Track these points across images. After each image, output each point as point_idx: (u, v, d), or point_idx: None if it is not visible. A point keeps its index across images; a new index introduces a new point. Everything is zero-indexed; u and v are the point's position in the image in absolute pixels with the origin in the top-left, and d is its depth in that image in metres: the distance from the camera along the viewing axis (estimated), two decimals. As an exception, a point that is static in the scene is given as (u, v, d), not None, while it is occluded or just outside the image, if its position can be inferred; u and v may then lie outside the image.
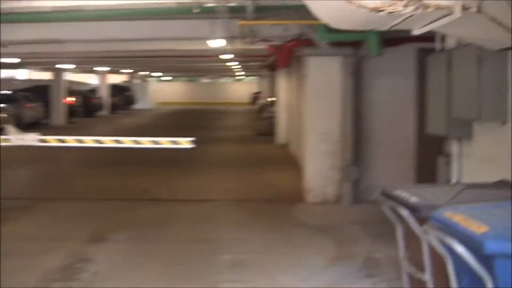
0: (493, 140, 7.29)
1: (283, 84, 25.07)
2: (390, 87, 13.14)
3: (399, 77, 13.13)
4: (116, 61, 33.49)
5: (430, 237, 4.33)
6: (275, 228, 10.36)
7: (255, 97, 55.98)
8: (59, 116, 36.62)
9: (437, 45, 8.91)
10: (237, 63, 32.01)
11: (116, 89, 53.07)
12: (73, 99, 38.62)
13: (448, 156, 8.59)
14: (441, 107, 8.00)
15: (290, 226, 10.64)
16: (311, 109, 13.01)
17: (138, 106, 60.82)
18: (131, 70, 50.19)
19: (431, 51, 12.46)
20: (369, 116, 13.10)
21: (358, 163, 12.79)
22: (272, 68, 26.73)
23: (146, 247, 9.36)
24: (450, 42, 8.32)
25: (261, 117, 39.94)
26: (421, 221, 4.72)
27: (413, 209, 4.81)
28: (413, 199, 4.89)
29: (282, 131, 25.19)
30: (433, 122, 8.56)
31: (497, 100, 6.88)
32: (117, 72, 50.73)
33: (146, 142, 9.01)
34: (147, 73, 58.32)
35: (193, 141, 9.09)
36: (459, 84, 7.45)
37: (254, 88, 66.52)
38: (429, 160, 13.33)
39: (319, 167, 12.91)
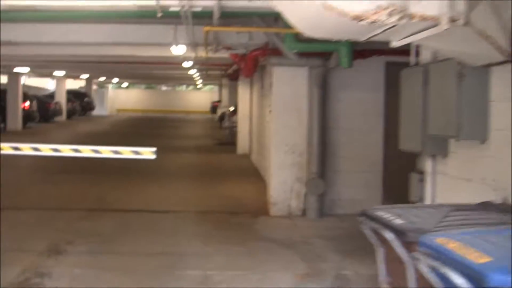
0: (471, 159, 7.05)
1: (245, 94, 24.79)
2: (357, 100, 12.93)
3: (367, 90, 12.95)
4: (74, 66, 33.03)
5: (420, 265, 4.05)
6: (240, 242, 10.02)
7: (215, 106, 55.60)
8: (15, 121, 35.90)
9: (412, 59, 8.64)
10: (197, 71, 31.69)
11: (74, 95, 52.50)
12: (29, 104, 37.74)
13: (421, 173, 8.35)
14: (416, 123, 7.76)
15: (256, 240, 10.31)
16: (277, 120, 12.71)
17: (96, 112, 60.37)
18: (89, 76, 49.52)
19: (401, 65, 12.26)
20: (336, 129, 12.87)
21: (324, 177, 12.54)
22: (234, 77, 26.46)
23: (107, 260, 8.93)
24: (426, 56, 8.09)
25: (222, 126, 39.64)
26: (408, 245, 4.45)
27: (398, 232, 4.53)
28: (398, 222, 4.63)
29: (243, 141, 24.90)
30: (407, 138, 8.32)
31: (476, 117, 6.64)
32: (75, 77, 50.11)
33: (106, 151, 8.57)
34: (106, 79, 57.64)
35: (155, 152, 8.69)
36: (437, 100, 7.21)
37: (214, 97, 66.26)
38: (397, 176, 13.13)
39: (284, 180, 12.63)
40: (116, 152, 8.67)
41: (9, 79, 36.52)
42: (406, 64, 12.90)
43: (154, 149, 8.66)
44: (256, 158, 20.75)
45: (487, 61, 6.23)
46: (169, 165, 20.42)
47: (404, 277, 4.70)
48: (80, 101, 53.52)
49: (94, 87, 63.79)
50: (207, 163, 21.93)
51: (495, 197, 6.30)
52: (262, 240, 10.37)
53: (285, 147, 12.60)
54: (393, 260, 4.96)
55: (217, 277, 8.06)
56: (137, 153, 8.58)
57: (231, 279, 8.00)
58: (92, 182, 16.32)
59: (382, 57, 12.82)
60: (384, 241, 5.03)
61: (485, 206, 5.12)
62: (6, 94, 36.01)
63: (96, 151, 8.61)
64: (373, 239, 5.24)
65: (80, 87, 59.13)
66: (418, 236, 4.27)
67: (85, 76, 48.91)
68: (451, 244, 3.82)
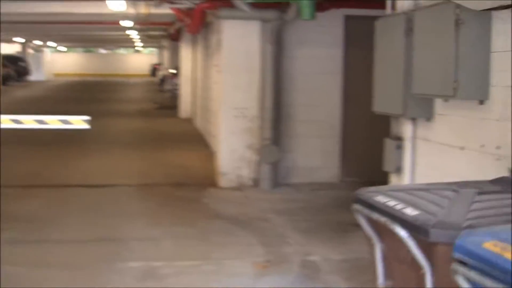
0: (466, 123, 5.89)
1: (187, 55, 23.45)
2: (314, 58, 11.74)
3: (325, 47, 11.76)
4: (6, 28, 31.25)
5: (457, 278, 2.86)
6: (188, 222, 8.76)
7: (155, 68, 54.16)
8: None
9: (388, 7, 7.46)
10: (136, 32, 30.21)
11: (8, 60, 50.38)
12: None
13: (398, 139, 7.19)
14: (397, 81, 6.61)
15: (205, 218, 9.05)
16: (225, 81, 11.43)
17: (32, 77, 58.38)
18: (24, 40, 47.48)
19: (361, 18, 11.15)
20: (291, 90, 11.66)
21: (278, 143, 11.36)
22: (175, 37, 25.05)
23: (37, 251, 7.56)
24: (405, 4, 6.89)
25: (162, 89, 38.29)
26: (428, 246, 3.27)
27: (415, 228, 3.33)
28: (410, 212, 3.44)
29: (185, 105, 23.60)
30: (383, 100, 7.17)
31: (476, 73, 5.47)
32: (8, 41, 48.05)
33: (29, 121, 7.20)
34: (41, 43, 55.61)
35: (88, 121, 7.37)
36: (424, 54, 6.03)
37: (154, 60, 64.83)
38: (356, 141, 12.03)
39: (234, 147, 11.41)
40: (41, 122, 7.31)
41: None
42: (368, 18, 11.80)
43: (86, 117, 7.31)
44: (200, 123, 19.48)
45: (490, 4, 5.09)
46: (109, 132, 19.11)
47: (412, 282, 3.55)
48: (15, 66, 51.43)
49: (30, 51, 61.72)
50: (149, 128, 20.57)
51: (498, 168, 5.20)
52: (213, 217, 9.15)
53: (235, 111, 11.36)
54: (396, 260, 3.79)
55: (164, 269, 6.74)
56: (66, 122, 7.23)
57: (180, 271, 6.71)
58: (22, 155, 14.84)
59: (341, 10, 11.68)
60: (383, 234, 3.85)
61: (506, 184, 3.93)
62: None
63: (17, 121, 7.23)
64: (369, 231, 4.03)
65: (18, 52, 57.00)
66: (444, 234, 3.11)
67: (19, 39, 46.80)
68: (508, 252, 2.62)
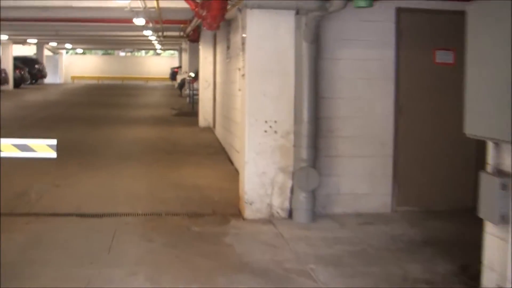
0: None
1: (206, 57, 21.33)
2: (360, 60, 9.63)
3: (372, 47, 9.67)
4: (17, 27, 29.42)
5: None
6: (204, 277, 6.58)
7: (175, 72, 52.21)
8: None
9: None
10: (152, 32, 28.18)
11: (24, 62, 48.75)
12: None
13: (504, 175, 5.03)
14: (502, 94, 4.46)
15: (228, 270, 6.82)
16: (251, 87, 9.28)
17: (49, 80, 56.83)
18: (36, 40, 45.60)
19: (418, 12, 9.18)
20: (332, 99, 9.54)
21: (317, 164, 9.21)
22: (194, 37, 22.95)
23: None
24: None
25: (181, 94, 36.29)
26: None
27: None
28: None
29: (205, 112, 21.45)
30: (480, 119, 5.01)
31: None
32: (22, 42, 46.31)
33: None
34: (56, 44, 53.82)
35: (54, 147, 5.21)
36: None
37: (174, 63, 63.00)
38: (412, 161, 9.85)
39: (262, 170, 9.26)
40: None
41: None
42: (426, 11, 9.66)
43: (52, 141, 5.14)
44: (221, 132, 17.35)
45: None
46: (117, 143, 17.08)
47: None
48: (30, 68, 49.70)
49: (47, 53, 60.04)
50: (163, 139, 18.42)
51: None
52: (238, 269, 6.91)
53: (264, 125, 9.22)
54: None
55: None
56: (26, 148, 5.04)
57: None
58: (9, 171, 12.76)
59: (392, 2, 9.56)
60: None
61: None
62: None
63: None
64: None
65: (34, 54, 55.33)
66: None
67: (32, 40, 44.96)
68: None
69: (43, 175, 12.15)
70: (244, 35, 9.51)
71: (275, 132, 9.21)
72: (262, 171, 9.26)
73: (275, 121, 9.21)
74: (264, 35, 9.17)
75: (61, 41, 49.67)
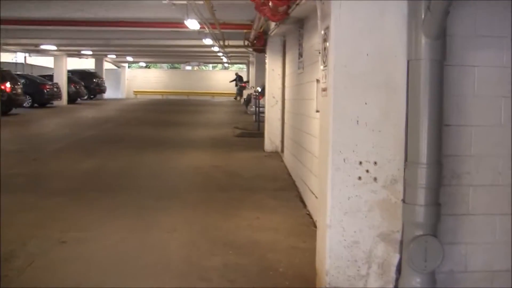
0: None
1: (275, 68, 18.01)
2: (504, 68, 6.17)
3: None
4: (67, 35, 26.86)
5: None
6: None
7: (242, 86, 49.26)
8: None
9: None
10: (213, 41, 25.11)
11: (81, 76, 46.40)
12: (10, 85, 30.91)
13: None
14: None
15: None
16: (338, 108, 5.91)
17: (110, 95, 54.49)
18: (90, 52, 43.04)
19: None
20: (460, 129, 6.13)
21: (438, 229, 5.83)
22: (260, 44, 19.67)
23: None
24: None
25: (247, 111, 33.15)
26: None
27: None
28: None
29: (273, 134, 18.12)
30: None
31: None
32: (78, 55, 43.86)
33: None
34: (118, 57, 51.35)
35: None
36: None
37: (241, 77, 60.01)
38: None
39: (353, 237, 5.94)
40: None
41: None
42: None
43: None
44: (290, 160, 14.02)
45: None
46: (163, 174, 14.00)
47: None
48: (88, 83, 47.20)
49: (109, 67, 57.73)
50: (220, 167, 15.12)
51: None
52: None
53: (357, 168, 5.90)
54: None
55: None
56: None
57: None
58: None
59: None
60: None
61: None
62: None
63: None
64: None
65: (91, 68, 53.02)
66: None
67: (87, 52, 42.33)
68: None
69: (51, 221, 9.06)
70: (324, 30, 6.20)
71: (375, 179, 5.89)
72: (352, 239, 5.93)
73: (375, 163, 5.88)
74: (358, 27, 5.85)
75: (120, 54, 47.08)
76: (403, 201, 5.84)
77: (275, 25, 13.84)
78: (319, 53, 6.68)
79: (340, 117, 5.90)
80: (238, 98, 52.73)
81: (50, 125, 26.80)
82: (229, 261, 7.53)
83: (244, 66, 62.70)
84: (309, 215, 9.91)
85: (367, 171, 5.88)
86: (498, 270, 6.23)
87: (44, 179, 13.16)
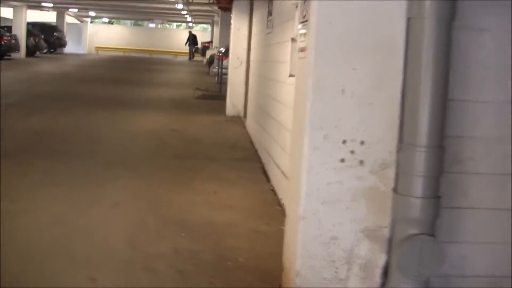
0: None
1: (240, 27, 16.83)
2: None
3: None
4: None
5: None
6: None
7: (206, 47, 48.06)
8: None
9: None
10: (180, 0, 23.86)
11: (41, 29, 44.83)
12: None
13: None
14: None
15: None
16: (320, 75, 4.75)
17: (71, 50, 52.98)
18: (51, 4, 41.46)
19: None
20: (465, 104, 5.01)
21: (434, 225, 4.76)
22: (225, 2, 18.45)
23: None
24: None
25: (210, 72, 31.94)
26: None
27: None
28: None
29: (235, 97, 16.98)
30: None
31: None
32: (39, 7, 42.25)
33: None
34: (80, 12, 49.79)
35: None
36: None
37: (206, 38, 58.82)
38: None
39: (332, 232, 4.85)
40: None
41: None
42: None
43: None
44: (254, 128, 12.91)
45: None
46: (115, 136, 13.07)
47: None
48: (48, 36, 45.64)
49: (72, 21, 56.11)
50: (178, 132, 13.95)
51: None
52: None
53: (341, 149, 4.79)
54: None
55: None
56: None
57: None
58: None
59: None
60: None
61: None
62: None
63: None
64: None
65: (54, 22, 51.37)
66: None
67: (48, 4, 40.74)
68: None
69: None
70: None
71: (361, 162, 4.79)
72: (331, 234, 4.85)
73: (362, 142, 4.78)
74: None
75: (82, 8, 45.55)
76: (395, 190, 4.75)
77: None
78: (296, 7, 5.54)
79: (321, 85, 4.77)
80: (192, 58, 52.12)
81: (3, 79, 25.43)
82: (180, 245, 6.42)
83: (208, 26, 61.23)
84: (273, 191, 8.84)
85: (352, 152, 4.78)
86: (503, 275, 5.20)
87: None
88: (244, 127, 14.78)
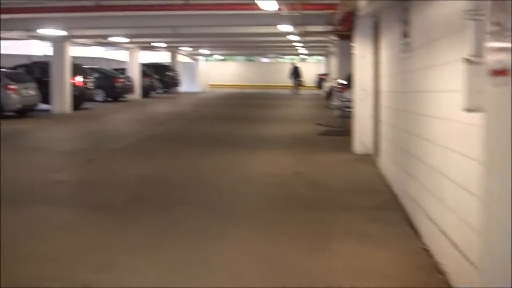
0: None
1: (365, 55, 15.16)
2: None
3: None
4: (138, 23, 24.77)
5: None
6: None
7: (321, 79, 46.67)
8: (62, 101, 27.95)
9: None
10: (293, 28, 22.56)
11: (155, 69, 44.53)
12: (82, 79, 29.51)
13: None
14: None
15: None
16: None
17: (185, 88, 52.58)
18: (164, 45, 40.95)
19: None
20: None
21: None
22: (345, 29, 16.89)
23: None
24: None
25: (329, 106, 30.33)
26: None
27: None
28: None
29: (363, 133, 15.28)
30: None
31: None
32: (152, 47, 41.92)
33: None
34: (194, 50, 49.32)
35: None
36: None
37: (321, 69, 57.40)
38: None
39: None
40: None
41: (54, 47, 28.63)
42: None
43: None
44: (390, 168, 11.20)
45: None
46: (229, 182, 11.75)
47: None
48: (162, 76, 45.41)
49: (184, 59, 55.73)
50: (300, 175, 12.35)
51: None
52: None
53: None
54: None
55: None
56: None
57: None
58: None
59: None
60: None
61: None
62: (49, 67, 28.64)
63: None
64: None
65: (167, 62, 51.10)
66: None
67: (160, 44, 40.23)
68: None
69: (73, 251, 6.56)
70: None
71: None
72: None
73: None
74: None
75: (194, 46, 44.98)
76: None
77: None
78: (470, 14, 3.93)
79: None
80: (296, 91, 51.23)
81: (118, 121, 24.91)
82: None
83: (322, 58, 59.73)
84: (426, 250, 7.16)
85: None
86: None
87: (88, 188, 10.89)
88: (377, 167, 13.06)
